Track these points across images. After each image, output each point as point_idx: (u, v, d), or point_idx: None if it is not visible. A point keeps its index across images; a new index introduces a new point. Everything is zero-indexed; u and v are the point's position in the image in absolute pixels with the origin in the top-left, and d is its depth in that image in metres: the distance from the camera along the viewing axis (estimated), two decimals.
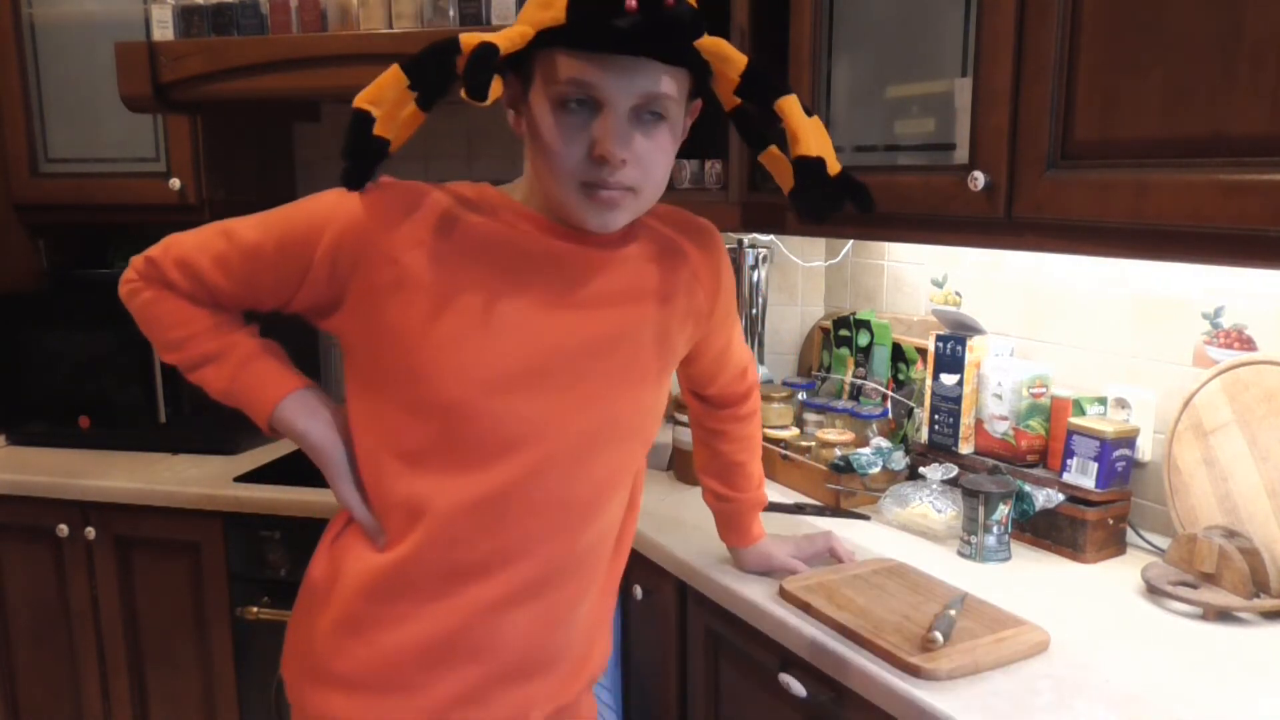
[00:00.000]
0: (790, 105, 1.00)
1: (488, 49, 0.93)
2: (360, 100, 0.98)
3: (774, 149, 1.09)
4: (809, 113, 1.01)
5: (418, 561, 1.05)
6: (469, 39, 0.94)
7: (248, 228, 1.08)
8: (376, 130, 0.97)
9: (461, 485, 1.04)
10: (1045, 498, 1.49)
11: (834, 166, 1.01)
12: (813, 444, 1.82)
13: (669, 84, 0.99)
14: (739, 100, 1.03)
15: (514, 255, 1.05)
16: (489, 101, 0.93)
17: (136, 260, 1.13)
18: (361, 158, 0.99)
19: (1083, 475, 1.48)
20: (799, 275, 2.20)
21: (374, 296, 1.02)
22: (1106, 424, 1.47)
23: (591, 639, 1.20)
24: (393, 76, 0.97)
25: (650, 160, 1.01)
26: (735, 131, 1.12)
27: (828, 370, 2.04)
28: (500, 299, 1.04)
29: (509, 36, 0.95)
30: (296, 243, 1.04)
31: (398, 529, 1.06)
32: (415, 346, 1.02)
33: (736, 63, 1.01)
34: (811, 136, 1.00)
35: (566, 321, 1.06)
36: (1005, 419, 1.60)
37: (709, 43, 1.00)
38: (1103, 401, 1.56)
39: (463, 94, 0.92)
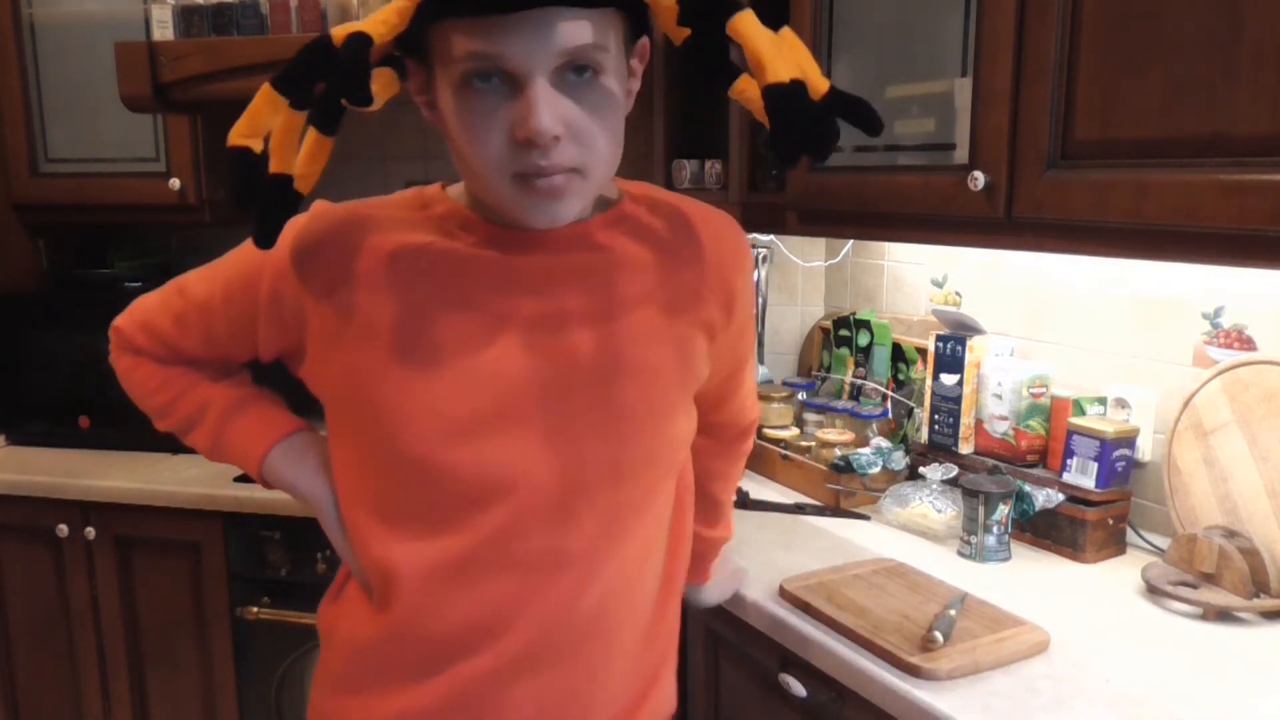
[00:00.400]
0: (746, 24, 0.80)
1: (357, 41, 0.78)
2: (235, 136, 0.80)
3: (744, 81, 0.84)
4: (776, 27, 0.81)
5: (399, 635, 0.94)
6: (340, 31, 0.79)
7: (198, 281, 1.01)
8: (273, 168, 0.81)
9: (430, 550, 0.90)
10: (1045, 498, 1.49)
11: (818, 86, 0.80)
12: (813, 444, 1.82)
13: (594, 32, 0.79)
14: (689, 31, 0.83)
15: (461, 277, 0.90)
16: (377, 105, 0.80)
17: (110, 330, 1.07)
18: (261, 206, 0.82)
19: (1083, 475, 1.48)
20: (799, 275, 2.20)
21: (325, 343, 0.91)
22: (1106, 424, 1.47)
23: (641, 693, 1.02)
24: (265, 99, 0.79)
25: (589, 129, 0.81)
26: (713, 83, 0.87)
27: (828, 370, 2.04)
28: (449, 333, 0.88)
29: (384, 20, 0.79)
30: (239, 292, 0.96)
31: (378, 595, 0.95)
32: (367, 397, 0.90)
33: None
34: (778, 58, 0.79)
35: (533, 349, 0.89)
36: (1005, 419, 1.60)
37: None
38: (1103, 401, 1.56)
39: (343, 102, 0.79)
